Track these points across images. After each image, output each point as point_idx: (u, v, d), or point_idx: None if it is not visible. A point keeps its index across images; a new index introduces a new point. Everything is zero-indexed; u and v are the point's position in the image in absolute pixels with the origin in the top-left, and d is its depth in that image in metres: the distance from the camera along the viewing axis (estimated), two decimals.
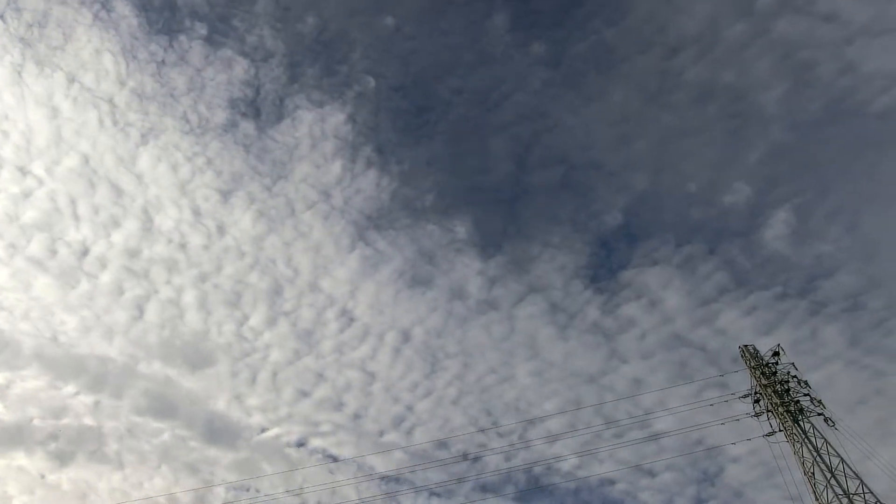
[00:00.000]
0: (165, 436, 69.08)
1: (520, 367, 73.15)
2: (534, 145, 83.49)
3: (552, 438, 42.43)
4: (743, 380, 35.20)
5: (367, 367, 73.22)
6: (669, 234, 78.10)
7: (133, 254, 72.98)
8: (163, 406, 69.79)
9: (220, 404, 71.13)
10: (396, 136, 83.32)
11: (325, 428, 70.91)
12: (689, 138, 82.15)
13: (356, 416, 71.72)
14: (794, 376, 33.60)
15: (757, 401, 34.28)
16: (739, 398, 34.93)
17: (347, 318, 74.67)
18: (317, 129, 77.92)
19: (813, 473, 29.94)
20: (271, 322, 73.75)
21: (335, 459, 69.20)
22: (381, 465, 68.91)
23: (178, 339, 72.32)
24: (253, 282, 74.22)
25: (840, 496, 28.69)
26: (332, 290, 74.88)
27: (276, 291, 74.27)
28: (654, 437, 37.93)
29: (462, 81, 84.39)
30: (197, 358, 71.85)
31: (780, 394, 33.07)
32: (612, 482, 59.68)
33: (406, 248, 77.06)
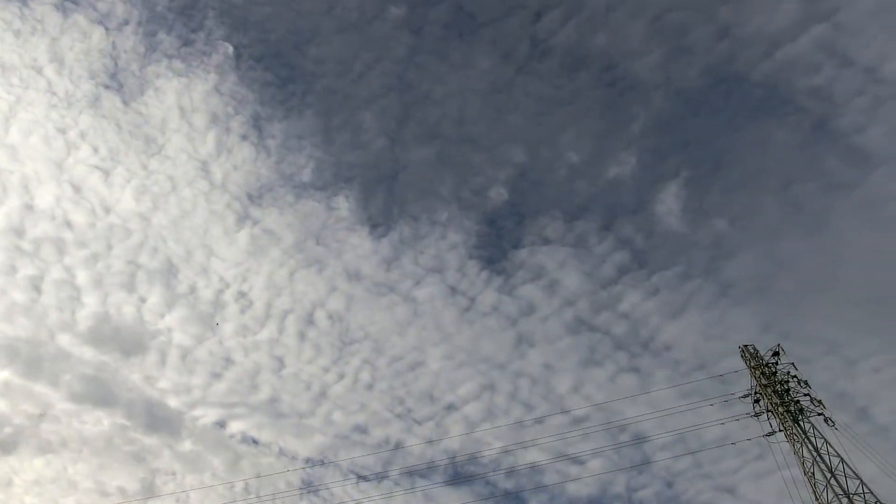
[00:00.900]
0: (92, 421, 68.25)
1: (429, 351, 72.80)
2: (405, 119, 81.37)
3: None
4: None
5: (274, 351, 72.45)
6: (557, 210, 76.17)
7: (18, 232, 71.20)
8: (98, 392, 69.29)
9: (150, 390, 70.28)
10: (264, 109, 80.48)
11: (240, 410, 70.32)
12: (564, 108, 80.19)
13: (273, 400, 71.03)
14: (794, 376, 33.63)
15: (757, 401, 34.29)
16: (739, 398, 34.95)
17: (246, 299, 73.62)
18: (185, 100, 76.13)
19: (813, 473, 29.95)
20: (170, 304, 72.50)
21: (256, 442, 69.53)
22: (303, 448, 69.26)
23: (81, 321, 70.91)
24: (144, 262, 72.95)
25: (840, 496, 28.70)
26: (224, 272, 73.62)
27: (171, 272, 73.01)
28: (653, 436, 37.86)
29: (323, 51, 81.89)
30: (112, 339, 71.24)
31: (779, 394, 33.08)
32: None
33: (294, 226, 75.63)
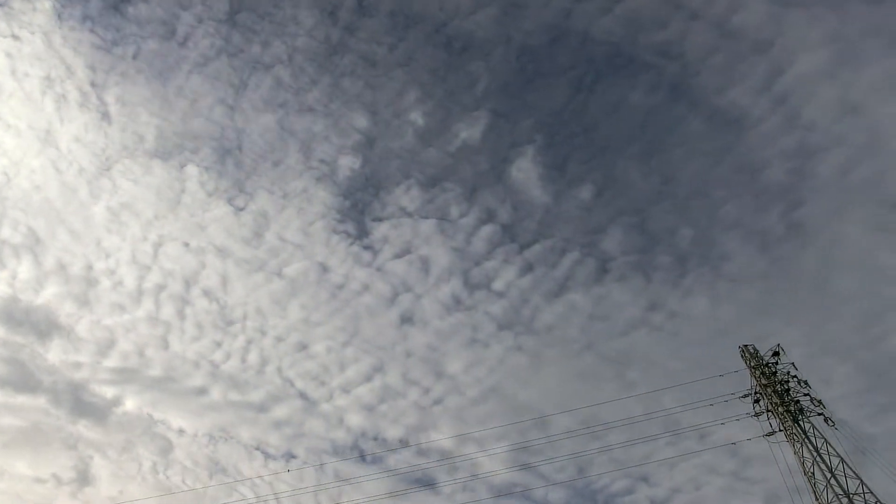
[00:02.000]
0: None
1: (311, 331, 72.72)
2: (241, 86, 78.66)
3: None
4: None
5: (155, 330, 71.45)
6: (412, 179, 74.74)
7: None
8: None
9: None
10: (97, 75, 77.04)
11: (134, 387, 70.23)
12: (400, 69, 78.14)
13: (166, 378, 70.59)
14: (794, 376, 33.57)
15: (757, 401, 34.23)
16: (739, 398, 34.88)
17: (116, 276, 72.49)
18: (16, 64, 73.13)
19: (813, 473, 29.89)
20: (41, 280, 71.52)
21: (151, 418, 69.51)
22: (202, 425, 69.41)
23: None
24: (6, 236, 72.10)
25: (840, 496, 28.63)
26: (85, 248, 72.12)
27: (38, 242, 71.80)
28: (654, 437, 37.79)
29: (142, 11, 77.24)
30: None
31: (780, 394, 33.03)
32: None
33: (150, 199, 73.69)
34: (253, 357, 71.86)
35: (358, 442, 68.95)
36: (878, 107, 59.56)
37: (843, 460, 29.80)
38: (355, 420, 69.57)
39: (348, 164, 75.46)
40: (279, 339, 72.54)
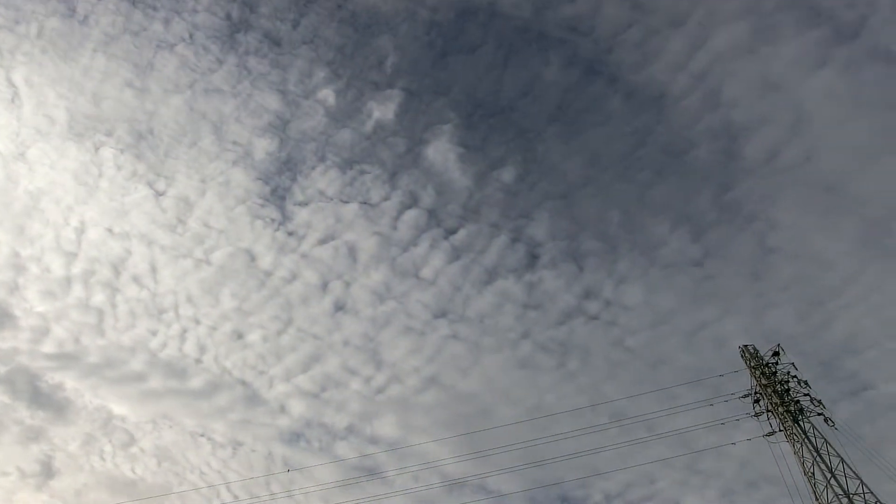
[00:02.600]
0: None
1: (244, 320, 72.08)
2: (145, 66, 75.04)
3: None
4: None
5: (86, 318, 71.05)
6: (329, 161, 73.21)
7: None
8: None
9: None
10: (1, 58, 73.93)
11: (73, 373, 70.20)
12: (304, 47, 76.01)
13: (106, 364, 70.34)
14: (794, 376, 33.62)
15: (757, 401, 34.27)
16: (739, 398, 34.93)
17: (42, 263, 71.82)
18: None
19: (813, 473, 29.94)
20: None
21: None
22: (146, 412, 69.32)
23: None
24: None
25: (840, 496, 28.69)
26: (7, 235, 71.01)
27: None
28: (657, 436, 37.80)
29: None
30: None
31: (780, 394, 33.07)
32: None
33: (67, 184, 72.13)
34: (189, 346, 71.95)
35: (304, 430, 69.17)
36: (801, 83, 58.87)
37: (843, 460, 29.87)
38: (298, 408, 69.83)
39: (264, 146, 74.57)
40: (213, 328, 72.46)
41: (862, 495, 28.56)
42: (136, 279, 72.52)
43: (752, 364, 34.66)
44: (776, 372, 33.97)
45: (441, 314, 70.69)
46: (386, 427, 67.59)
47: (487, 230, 71.98)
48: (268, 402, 70.05)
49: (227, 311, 72.34)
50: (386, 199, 73.15)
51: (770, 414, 33.37)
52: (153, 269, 72.73)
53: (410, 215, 72.61)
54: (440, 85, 77.24)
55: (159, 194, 73.07)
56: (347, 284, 72.33)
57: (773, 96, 60.63)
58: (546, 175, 74.11)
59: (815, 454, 30.23)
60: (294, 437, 69.14)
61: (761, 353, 34.95)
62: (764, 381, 33.76)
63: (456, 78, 77.22)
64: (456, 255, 71.65)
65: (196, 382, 70.52)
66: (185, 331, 72.04)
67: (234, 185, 73.60)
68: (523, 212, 73.05)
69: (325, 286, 72.17)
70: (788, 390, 33.22)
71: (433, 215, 72.83)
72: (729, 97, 62.79)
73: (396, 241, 72.41)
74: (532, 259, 71.52)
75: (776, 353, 34.32)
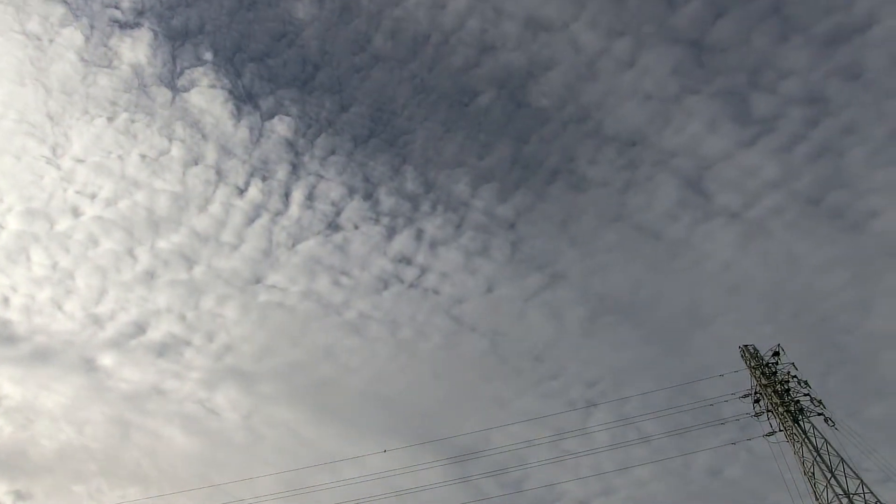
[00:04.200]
0: None
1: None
2: None
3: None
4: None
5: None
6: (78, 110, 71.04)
7: None
8: None
9: None
10: None
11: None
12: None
13: None
14: (794, 376, 33.55)
15: (757, 401, 34.22)
16: (739, 398, 34.87)
17: None
18: None
19: (813, 473, 29.87)
20: None
21: None
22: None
23: None
24: None
25: (840, 496, 28.62)
26: None
27: None
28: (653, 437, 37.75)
29: None
30: None
31: (780, 394, 33.01)
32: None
33: None
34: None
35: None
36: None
37: (843, 460, 29.80)
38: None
39: None
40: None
41: (862, 495, 28.48)
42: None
43: (752, 364, 34.60)
44: (776, 372, 33.91)
45: (256, 280, 69.18)
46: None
47: (278, 187, 69.52)
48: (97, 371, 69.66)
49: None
50: (165, 153, 70.98)
51: (770, 414, 33.32)
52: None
53: (197, 171, 71.01)
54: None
55: None
56: (152, 248, 71.28)
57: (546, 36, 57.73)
58: (325, 128, 71.35)
59: (815, 454, 30.16)
60: None
61: (761, 353, 34.95)
62: (764, 381, 33.71)
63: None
64: (256, 213, 69.77)
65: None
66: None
67: None
68: (311, 169, 70.66)
69: (130, 251, 71.13)
70: (788, 390, 33.17)
71: (220, 172, 70.81)
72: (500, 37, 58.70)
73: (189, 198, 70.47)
74: (335, 217, 69.51)
75: (776, 353, 34.28)
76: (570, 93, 58.73)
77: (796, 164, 55.73)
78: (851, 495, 28.49)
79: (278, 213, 70.25)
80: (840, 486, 28.82)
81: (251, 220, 70.66)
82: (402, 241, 66.99)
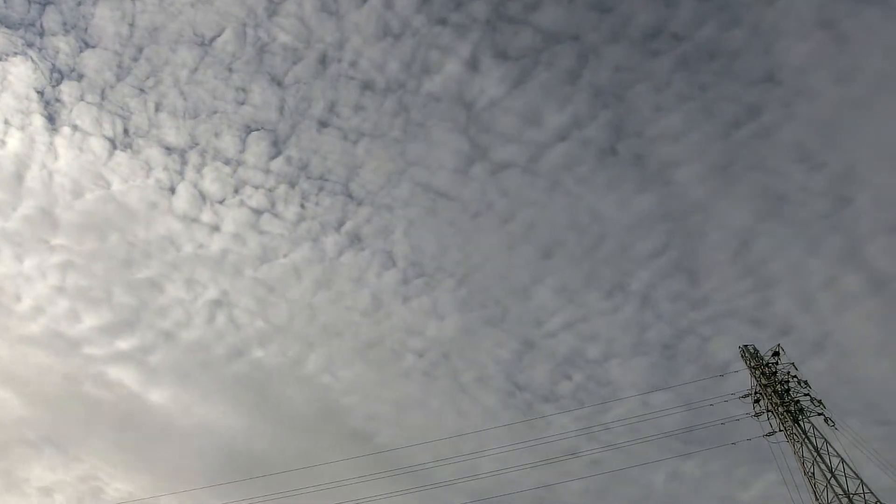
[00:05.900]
0: None
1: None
2: None
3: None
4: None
5: None
6: None
7: None
8: None
9: None
10: None
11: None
12: None
13: None
14: (794, 376, 33.51)
15: (757, 401, 34.17)
16: (739, 398, 34.83)
17: None
18: None
19: (813, 473, 29.82)
20: None
21: None
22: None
23: None
24: None
25: (840, 496, 28.56)
26: None
27: None
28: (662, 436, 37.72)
29: None
30: None
31: (780, 394, 32.96)
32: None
33: None
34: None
35: None
36: None
37: (843, 460, 29.75)
38: None
39: None
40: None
41: (862, 495, 28.41)
42: None
43: (752, 364, 34.56)
44: (776, 372, 33.87)
45: None
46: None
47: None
48: None
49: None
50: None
51: (770, 414, 33.27)
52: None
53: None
54: None
55: None
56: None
57: None
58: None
59: (815, 454, 30.11)
60: None
61: (761, 352, 34.91)
62: (764, 381, 33.67)
63: None
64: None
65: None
66: None
67: None
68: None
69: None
70: (788, 390, 33.12)
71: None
72: None
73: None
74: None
75: (776, 353, 34.23)
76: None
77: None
78: (851, 495, 28.43)
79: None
80: (840, 485, 28.77)
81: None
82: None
